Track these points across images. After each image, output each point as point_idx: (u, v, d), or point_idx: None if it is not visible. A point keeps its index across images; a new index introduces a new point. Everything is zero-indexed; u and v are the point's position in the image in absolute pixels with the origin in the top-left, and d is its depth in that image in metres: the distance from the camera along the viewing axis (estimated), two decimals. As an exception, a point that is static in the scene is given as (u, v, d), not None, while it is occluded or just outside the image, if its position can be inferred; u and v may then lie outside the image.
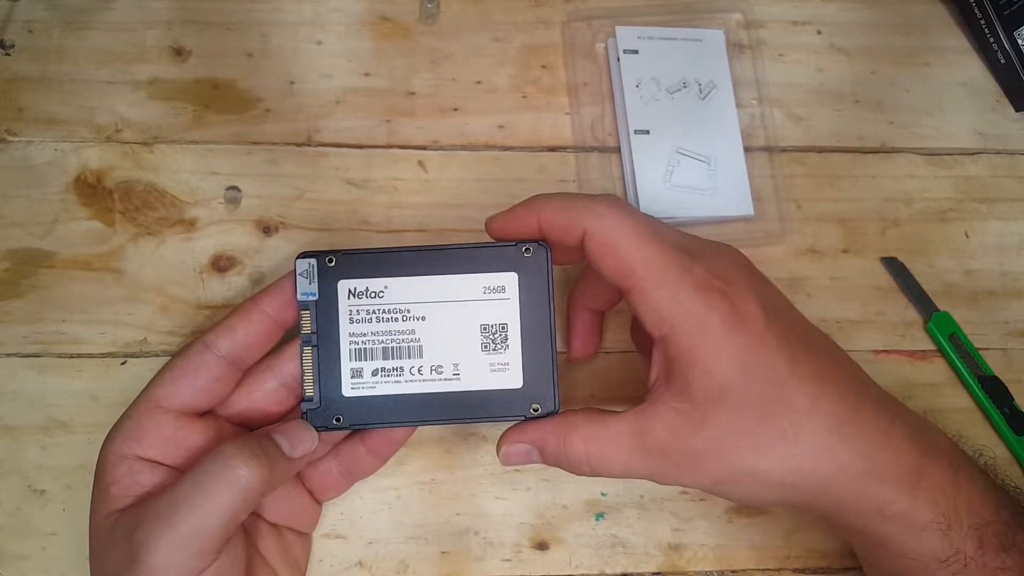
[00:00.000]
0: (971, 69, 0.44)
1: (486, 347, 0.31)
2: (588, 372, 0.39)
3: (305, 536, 0.35)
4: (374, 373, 0.31)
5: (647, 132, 0.41)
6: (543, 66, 0.42)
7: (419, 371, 0.31)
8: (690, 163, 0.41)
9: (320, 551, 0.36)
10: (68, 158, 0.39)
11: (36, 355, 0.37)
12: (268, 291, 0.32)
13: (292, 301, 0.31)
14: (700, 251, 0.29)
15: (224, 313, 0.33)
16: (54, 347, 0.37)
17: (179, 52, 0.41)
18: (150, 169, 0.39)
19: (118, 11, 0.41)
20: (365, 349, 0.31)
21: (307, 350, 0.31)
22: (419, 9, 0.43)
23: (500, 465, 0.31)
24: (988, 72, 0.44)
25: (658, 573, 0.37)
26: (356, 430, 0.33)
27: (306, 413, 0.31)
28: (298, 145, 0.40)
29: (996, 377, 0.39)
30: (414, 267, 0.31)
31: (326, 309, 0.31)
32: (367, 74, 0.42)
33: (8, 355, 0.37)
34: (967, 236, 0.42)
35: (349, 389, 0.31)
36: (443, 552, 0.36)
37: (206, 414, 0.32)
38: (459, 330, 0.31)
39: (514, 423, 0.31)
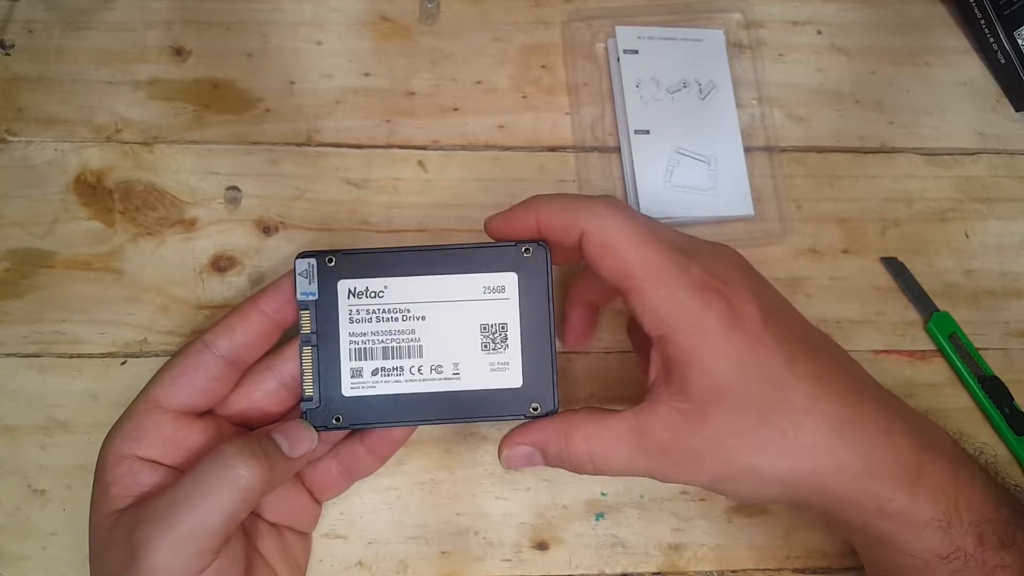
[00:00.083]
0: (971, 69, 0.44)
1: (486, 347, 0.31)
2: (588, 372, 0.39)
3: (305, 536, 0.35)
4: (374, 373, 0.31)
5: (647, 132, 0.41)
6: (543, 66, 0.42)
7: (419, 371, 0.31)
8: (690, 163, 0.41)
9: (320, 551, 0.36)
10: (68, 158, 0.39)
11: (36, 355, 0.37)
12: (267, 291, 0.32)
13: (291, 301, 0.31)
14: (698, 251, 0.29)
15: (224, 313, 0.33)
16: (54, 347, 0.37)
17: (179, 52, 0.41)
18: (150, 169, 0.39)
19: (118, 11, 0.41)
20: (365, 349, 0.31)
21: (307, 350, 0.31)
22: (419, 9, 0.43)
23: (500, 465, 0.31)
24: (988, 72, 0.44)
25: (658, 573, 0.37)
26: (356, 430, 0.33)
27: (306, 413, 0.31)
28: (298, 145, 0.40)
29: (996, 377, 0.39)
30: (414, 267, 0.31)
31: (326, 309, 0.31)
32: (367, 74, 0.42)
33: (8, 355, 0.37)
34: (967, 236, 0.42)
35: (349, 389, 0.31)
36: (443, 552, 0.36)
37: (205, 414, 0.32)
38: (459, 330, 0.31)
39: (514, 424, 0.31)
